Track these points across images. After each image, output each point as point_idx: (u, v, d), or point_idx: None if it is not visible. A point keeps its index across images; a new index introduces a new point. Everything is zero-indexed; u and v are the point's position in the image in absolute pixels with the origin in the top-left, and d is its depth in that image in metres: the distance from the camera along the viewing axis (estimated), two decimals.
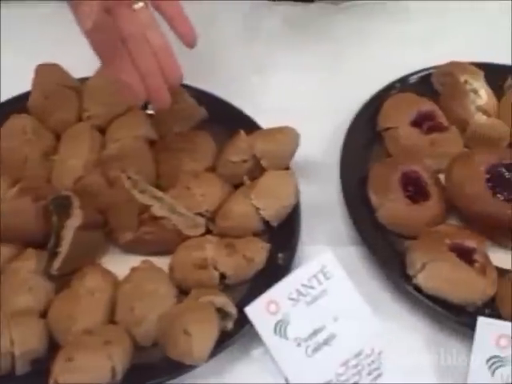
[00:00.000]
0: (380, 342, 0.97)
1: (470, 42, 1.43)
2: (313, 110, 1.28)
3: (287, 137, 1.09)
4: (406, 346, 1.01)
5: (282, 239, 1.04)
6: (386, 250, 1.06)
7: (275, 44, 1.41)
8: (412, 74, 1.30)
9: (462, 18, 1.49)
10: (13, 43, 1.34)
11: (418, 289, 1.00)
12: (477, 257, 1.03)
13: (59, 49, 1.28)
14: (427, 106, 1.22)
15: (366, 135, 1.21)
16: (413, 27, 1.47)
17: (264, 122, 1.18)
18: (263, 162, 1.07)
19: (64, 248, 0.95)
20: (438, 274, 0.99)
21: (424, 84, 1.30)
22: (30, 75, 1.16)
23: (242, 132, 1.10)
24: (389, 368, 0.96)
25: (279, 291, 0.96)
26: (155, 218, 1.00)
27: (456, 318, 0.98)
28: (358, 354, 0.96)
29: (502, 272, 1.05)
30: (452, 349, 1.00)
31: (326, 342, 0.96)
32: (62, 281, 0.97)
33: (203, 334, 0.88)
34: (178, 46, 1.35)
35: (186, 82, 1.20)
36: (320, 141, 1.23)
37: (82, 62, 1.13)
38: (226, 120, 1.17)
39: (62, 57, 1.20)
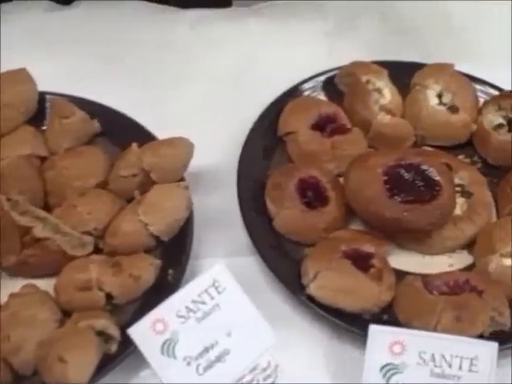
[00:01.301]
0: (277, 355, 0.94)
1: (382, 41, 1.42)
2: (217, 118, 1.25)
3: (178, 148, 1.06)
4: (304, 357, 0.98)
5: (174, 254, 1.01)
6: (283, 260, 1.03)
7: (182, 52, 1.38)
8: (317, 75, 1.27)
9: (375, 16, 1.48)
10: None
11: (312, 298, 0.98)
12: (374, 262, 1.01)
13: None
14: (328, 108, 1.20)
15: (266, 141, 1.18)
16: (325, 27, 1.45)
17: (165, 133, 1.14)
18: (153, 176, 1.04)
19: None
20: (328, 283, 0.96)
21: (331, 85, 1.28)
22: None
23: (134, 145, 1.06)
24: (285, 381, 0.94)
25: (166, 309, 0.92)
26: (38, 240, 0.97)
27: (350, 326, 0.96)
28: (253, 369, 0.93)
29: (401, 275, 1.03)
30: (351, 358, 0.97)
31: (218, 359, 0.93)
32: None
33: (79, 361, 0.85)
34: (72, 54, 1.33)
35: (81, 94, 1.18)
36: (222, 149, 1.20)
37: None
38: (122, 133, 1.13)
39: None
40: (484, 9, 1.47)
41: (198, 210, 1.09)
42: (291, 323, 1.01)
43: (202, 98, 1.30)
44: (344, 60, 1.29)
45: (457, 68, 1.26)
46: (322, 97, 1.27)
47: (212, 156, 1.18)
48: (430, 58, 1.31)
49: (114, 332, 0.90)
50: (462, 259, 1.08)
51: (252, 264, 1.07)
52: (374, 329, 0.91)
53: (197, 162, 1.10)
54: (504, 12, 1.46)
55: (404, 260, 1.07)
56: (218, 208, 1.12)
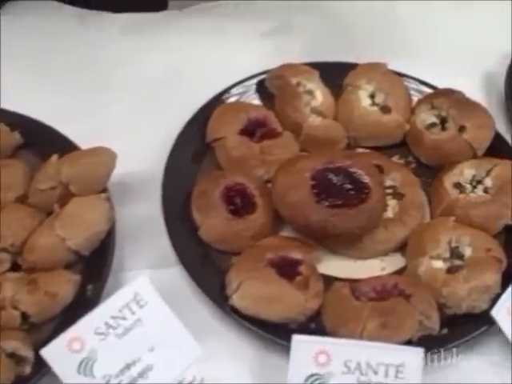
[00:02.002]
0: (203, 367, 0.92)
1: (321, 42, 1.40)
2: (147, 125, 1.22)
3: (98, 158, 1.03)
4: (230, 369, 0.96)
5: (95, 268, 0.98)
6: (209, 270, 1.01)
7: (112, 57, 1.34)
8: (248, 79, 1.25)
9: (314, 18, 1.45)
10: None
11: (237, 309, 0.95)
12: (302, 269, 0.99)
13: None
14: (258, 112, 1.17)
15: (195, 148, 1.15)
16: (261, 28, 1.42)
17: (92, 142, 1.09)
18: (72, 188, 1.01)
19: None
20: (250, 292, 0.94)
21: (265, 88, 1.25)
22: None
23: (54, 156, 1.03)
24: None
25: (84, 326, 0.89)
26: None
27: (274, 337, 0.93)
28: None
29: (330, 281, 1.00)
30: (279, 368, 0.94)
31: (141, 375, 0.90)
32: None
33: None
34: None
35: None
36: (150, 157, 1.16)
37: None
38: (45, 144, 1.10)
39: None
40: (423, 7, 1.46)
41: (124, 220, 1.06)
42: (218, 335, 0.98)
43: (132, 105, 1.26)
44: (282, 62, 1.27)
45: (392, 67, 1.25)
46: (257, 100, 1.24)
47: (140, 164, 1.15)
48: (367, 57, 1.29)
49: (27, 353, 0.87)
50: (395, 262, 1.06)
51: (178, 275, 1.04)
52: (297, 339, 0.88)
53: (124, 170, 1.07)
54: (442, 11, 1.46)
55: (335, 265, 1.05)
56: (146, 218, 1.09)
